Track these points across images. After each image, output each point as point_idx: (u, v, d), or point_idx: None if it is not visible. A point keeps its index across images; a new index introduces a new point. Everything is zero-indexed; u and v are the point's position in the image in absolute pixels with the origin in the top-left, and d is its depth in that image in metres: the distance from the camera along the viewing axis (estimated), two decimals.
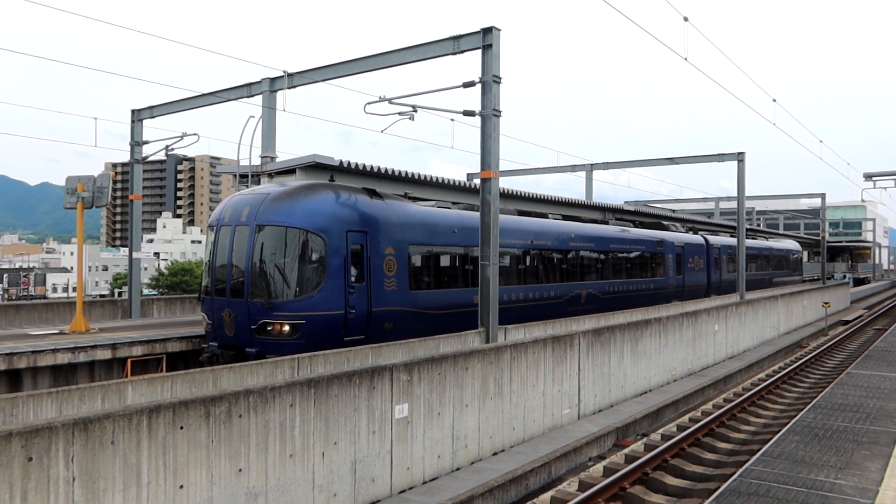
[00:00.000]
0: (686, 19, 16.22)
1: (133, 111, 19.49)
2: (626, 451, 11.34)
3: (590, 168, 30.51)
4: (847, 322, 34.24)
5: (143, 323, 17.68)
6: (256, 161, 15.61)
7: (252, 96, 16.84)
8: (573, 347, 13.03)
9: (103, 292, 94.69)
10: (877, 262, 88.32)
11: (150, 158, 20.62)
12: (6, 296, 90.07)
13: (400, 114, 14.21)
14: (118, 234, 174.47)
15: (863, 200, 38.54)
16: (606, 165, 30.46)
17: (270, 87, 16.31)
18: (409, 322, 14.33)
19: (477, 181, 15.25)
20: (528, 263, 19.04)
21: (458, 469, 9.88)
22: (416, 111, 14.18)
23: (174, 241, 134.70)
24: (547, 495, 9.21)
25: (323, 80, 15.55)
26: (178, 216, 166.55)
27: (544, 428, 12.03)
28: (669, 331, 17.26)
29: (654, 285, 26.23)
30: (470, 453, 10.20)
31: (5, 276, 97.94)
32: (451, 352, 10.34)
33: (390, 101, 14.15)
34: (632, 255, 24.89)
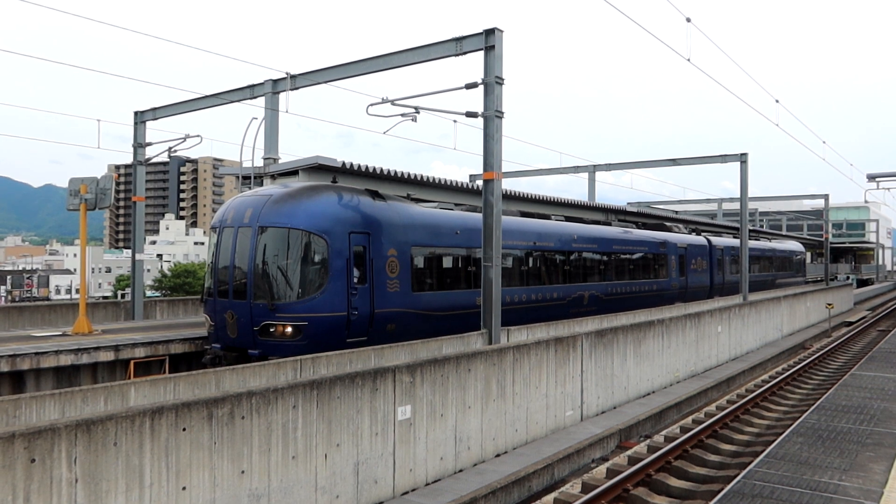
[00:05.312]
0: (689, 20, 16.19)
1: (136, 113, 19.50)
2: (629, 452, 11.31)
3: (592, 169, 30.50)
4: (851, 323, 34.16)
5: (145, 325, 17.69)
6: (259, 163, 15.61)
7: (255, 98, 16.84)
8: (576, 349, 13.01)
9: (106, 294, 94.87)
10: (880, 263, 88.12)
11: (154, 160, 20.64)
12: (10, 297, 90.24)
13: (402, 115, 14.22)
14: (121, 236, 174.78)
15: (866, 201, 38.42)
16: (609, 167, 30.46)
17: (273, 89, 16.30)
18: (412, 323, 14.32)
19: (479, 182, 15.24)
20: (530, 265, 19.01)
21: (460, 471, 9.87)
22: (418, 112, 14.18)
23: (177, 243, 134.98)
24: (550, 497, 9.18)
25: (325, 82, 15.55)
26: (181, 218, 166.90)
27: (547, 430, 12.01)
28: (672, 332, 17.23)
29: (657, 287, 26.19)
30: (472, 455, 10.19)
31: (9, 277, 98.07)
32: (453, 353, 10.33)
33: (393, 102, 14.16)
34: (634, 256, 24.86)
